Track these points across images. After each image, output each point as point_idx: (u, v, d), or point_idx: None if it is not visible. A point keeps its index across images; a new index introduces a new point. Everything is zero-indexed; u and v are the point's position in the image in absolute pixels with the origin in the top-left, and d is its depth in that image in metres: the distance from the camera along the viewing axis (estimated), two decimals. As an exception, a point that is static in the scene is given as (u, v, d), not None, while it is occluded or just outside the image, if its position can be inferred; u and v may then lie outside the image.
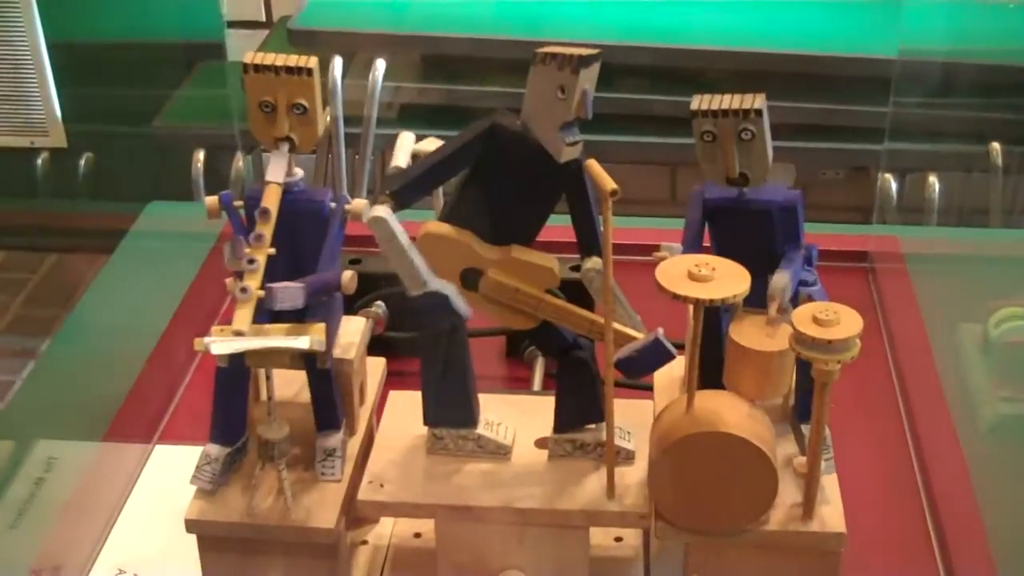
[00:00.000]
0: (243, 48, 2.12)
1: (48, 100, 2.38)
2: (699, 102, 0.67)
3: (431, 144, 0.72)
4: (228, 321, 0.66)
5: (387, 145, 1.85)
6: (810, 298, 0.68)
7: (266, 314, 0.68)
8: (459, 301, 0.68)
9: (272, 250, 0.68)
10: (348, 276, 0.70)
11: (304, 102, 0.69)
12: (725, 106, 0.66)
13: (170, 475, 0.88)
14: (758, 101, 0.66)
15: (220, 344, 0.64)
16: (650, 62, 1.81)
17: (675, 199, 2.20)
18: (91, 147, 2.37)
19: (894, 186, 1.61)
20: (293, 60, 0.69)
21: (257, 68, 0.69)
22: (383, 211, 0.65)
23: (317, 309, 0.71)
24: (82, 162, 2.37)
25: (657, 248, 0.69)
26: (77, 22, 2.32)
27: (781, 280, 0.67)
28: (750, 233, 0.69)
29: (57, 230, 2.44)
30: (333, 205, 0.72)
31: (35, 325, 2.34)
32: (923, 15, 1.47)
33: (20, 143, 2.42)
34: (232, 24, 2.17)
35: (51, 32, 2.30)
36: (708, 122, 0.67)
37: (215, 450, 0.72)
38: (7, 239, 2.54)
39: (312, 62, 0.69)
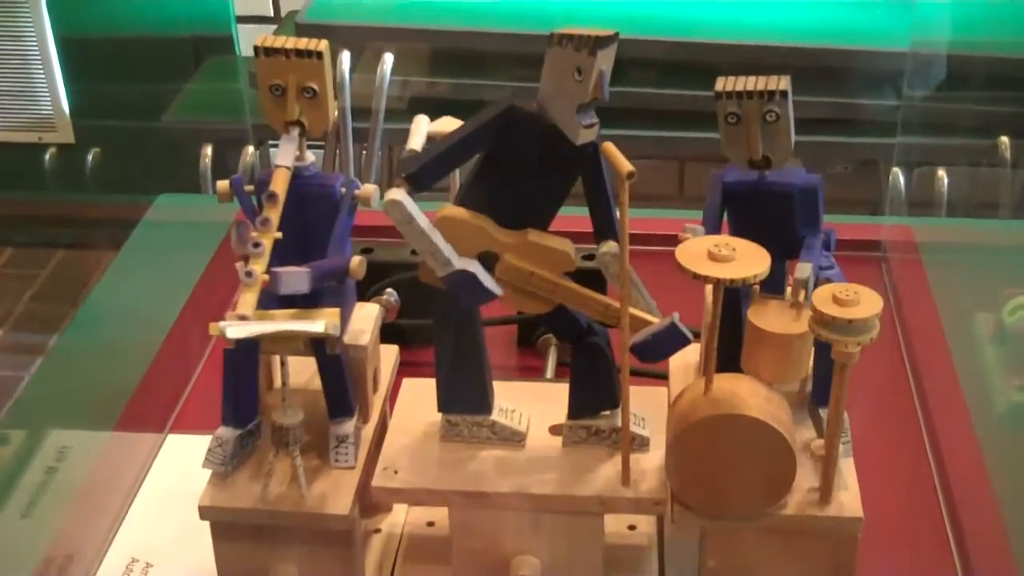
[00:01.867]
0: (252, 43, 2.13)
1: (56, 96, 2.39)
2: (724, 83, 0.67)
3: (447, 124, 0.71)
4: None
5: (395, 139, 1.85)
6: (828, 281, 0.68)
7: (278, 300, 0.68)
8: (487, 278, 0.67)
9: (279, 234, 0.67)
10: (357, 261, 0.70)
11: (314, 85, 0.69)
12: (750, 87, 0.66)
13: (183, 464, 0.88)
14: (783, 83, 0.66)
15: (236, 328, 0.63)
16: (659, 56, 1.81)
17: (684, 193, 2.20)
18: (99, 142, 2.38)
19: (903, 180, 1.60)
20: (303, 43, 0.69)
21: (268, 51, 0.69)
22: (399, 194, 0.65)
23: (330, 295, 0.71)
24: (90, 157, 2.37)
25: (673, 238, 0.69)
26: (85, 17, 2.32)
27: (804, 271, 0.66)
28: (770, 216, 0.69)
29: (65, 224, 2.44)
30: (343, 190, 0.71)
31: (43, 321, 2.34)
32: (935, 9, 1.47)
33: (28, 139, 2.43)
34: (241, 19, 2.17)
35: (59, 27, 2.30)
36: (733, 103, 0.66)
37: (226, 432, 0.72)
38: (15, 235, 2.54)
39: (322, 45, 0.69)
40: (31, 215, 2.50)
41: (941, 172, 1.87)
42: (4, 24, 2.33)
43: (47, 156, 2.44)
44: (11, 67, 2.38)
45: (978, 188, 1.93)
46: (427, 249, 0.66)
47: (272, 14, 2.23)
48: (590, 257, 0.69)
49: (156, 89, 2.12)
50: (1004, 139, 1.84)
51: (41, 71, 2.38)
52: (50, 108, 2.41)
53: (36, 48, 2.36)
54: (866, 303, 0.62)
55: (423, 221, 0.65)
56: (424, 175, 0.67)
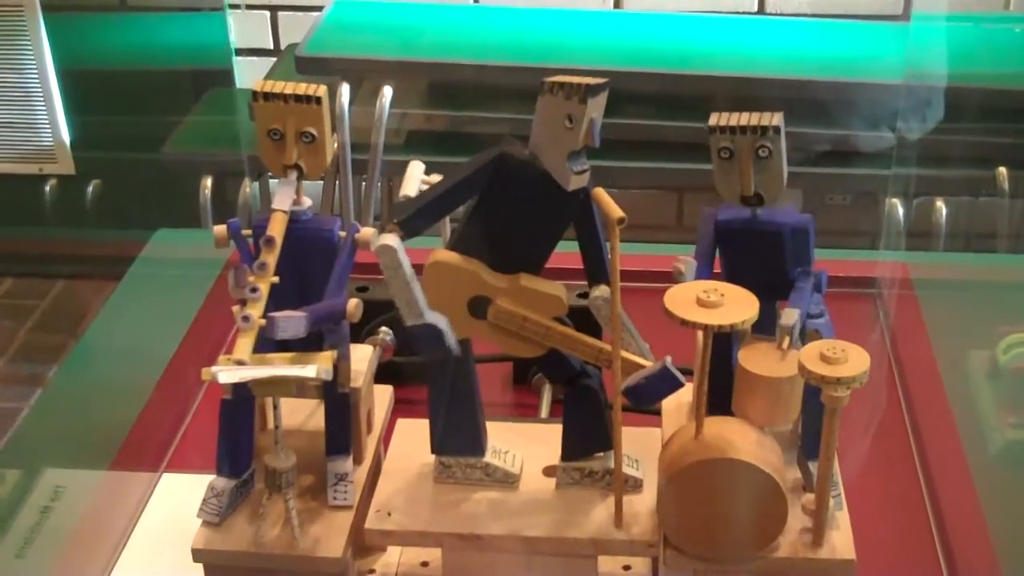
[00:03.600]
0: (251, 75, 2.14)
1: (56, 127, 2.39)
2: (717, 119, 0.67)
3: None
4: (235, 350, 0.66)
5: (394, 171, 1.86)
6: (817, 332, 0.68)
7: (274, 344, 0.68)
8: (451, 336, 0.68)
9: (276, 279, 0.67)
10: (353, 304, 0.70)
11: (313, 130, 0.70)
12: (743, 123, 0.67)
13: (178, 504, 0.88)
14: (776, 119, 0.67)
15: (227, 373, 0.64)
16: (656, 88, 1.82)
17: (682, 224, 2.20)
18: (99, 174, 2.38)
19: (901, 211, 1.61)
20: (302, 88, 0.69)
21: (267, 96, 0.69)
22: (391, 240, 0.65)
23: (330, 337, 0.71)
24: (90, 189, 2.38)
25: (666, 275, 0.69)
26: (86, 49, 2.33)
27: (791, 317, 0.66)
28: (761, 255, 0.70)
29: (65, 257, 2.44)
30: (342, 234, 0.72)
31: (43, 352, 2.34)
32: (930, 40, 1.48)
33: (29, 170, 2.43)
34: (240, 52, 2.18)
35: (60, 60, 2.31)
36: (726, 138, 0.67)
37: (221, 483, 0.72)
38: (15, 266, 2.54)
39: (321, 91, 0.69)
40: (31, 246, 2.50)
41: (939, 203, 1.88)
42: (6, 56, 2.34)
43: (48, 187, 2.45)
44: (12, 99, 2.39)
45: (976, 219, 1.93)
46: (405, 298, 0.66)
47: (272, 47, 2.23)
48: (585, 295, 0.70)
49: (156, 121, 2.13)
50: (1002, 170, 1.85)
51: (42, 103, 2.39)
52: (51, 139, 2.42)
53: (37, 80, 2.36)
54: (854, 360, 0.62)
55: (408, 270, 0.66)
56: (416, 221, 0.67)
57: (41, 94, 2.38)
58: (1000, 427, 0.97)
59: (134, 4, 2.30)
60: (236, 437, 0.72)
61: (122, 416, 0.97)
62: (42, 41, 2.33)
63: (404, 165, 0.74)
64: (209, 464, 0.72)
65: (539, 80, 0.65)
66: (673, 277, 0.70)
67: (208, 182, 1.99)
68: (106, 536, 0.86)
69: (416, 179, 0.70)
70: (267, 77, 2.06)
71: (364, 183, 1.85)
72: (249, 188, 1.96)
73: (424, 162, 0.74)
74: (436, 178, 0.70)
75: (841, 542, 0.69)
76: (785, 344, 0.66)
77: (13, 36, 2.32)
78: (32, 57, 2.34)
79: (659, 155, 1.85)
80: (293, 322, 0.66)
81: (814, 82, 1.79)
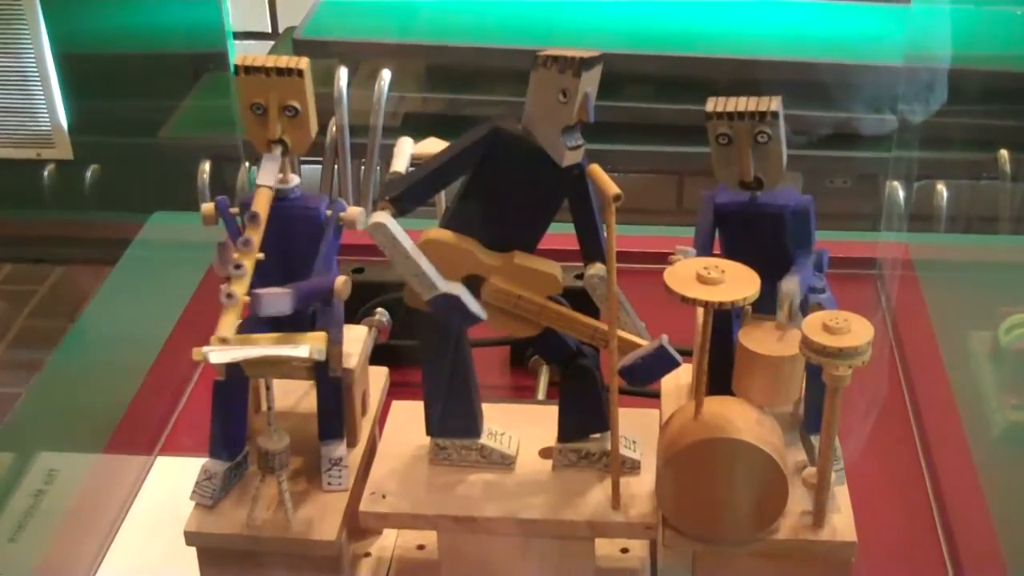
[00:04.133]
0: (249, 59, 2.13)
1: (54, 112, 2.38)
2: (715, 104, 0.66)
3: (431, 145, 0.71)
4: (230, 331, 0.65)
5: (391, 154, 1.85)
6: (819, 306, 0.67)
7: (266, 324, 0.67)
8: (472, 302, 0.66)
9: (261, 255, 0.66)
10: (341, 281, 0.69)
11: (296, 104, 0.69)
12: (741, 108, 0.65)
13: (172, 487, 0.87)
14: (774, 104, 0.66)
15: (219, 353, 0.63)
16: (656, 71, 1.81)
17: (682, 207, 2.19)
18: (97, 158, 2.37)
19: (902, 194, 1.60)
20: (284, 61, 0.68)
21: (248, 70, 0.68)
22: (383, 217, 0.64)
23: (321, 317, 0.70)
24: (88, 174, 2.37)
25: (664, 256, 0.68)
26: (83, 33, 2.32)
27: (791, 285, 0.66)
28: (761, 237, 0.69)
29: (63, 241, 2.44)
30: (329, 212, 0.71)
31: (42, 337, 2.33)
32: (931, 22, 1.46)
33: (27, 155, 2.43)
34: (238, 35, 2.17)
35: (57, 44, 2.30)
36: (724, 124, 0.66)
37: (214, 465, 0.71)
38: (14, 250, 2.54)
39: (303, 63, 0.68)
40: (30, 231, 2.49)
41: (940, 186, 1.87)
42: (3, 40, 2.33)
43: (46, 172, 2.44)
44: (10, 83, 2.38)
45: (977, 202, 1.92)
46: (411, 272, 0.65)
47: (270, 30, 2.22)
48: (581, 276, 0.69)
49: (154, 105, 2.12)
50: (1003, 152, 1.84)
51: (40, 87, 2.38)
52: (48, 124, 2.41)
53: (34, 64, 2.35)
54: (857, 330, 0.61)
55: (407, 244, 0.64)
56: (408, 197, 0.66)
57: (38, 78, 2.37)
58: (1001, 408, 0.96)
59: (132, -14, 2.29)
60: (229, 419, 0.71)
61: (116, 399, 0.96)
62: (39, 25, 2.31)
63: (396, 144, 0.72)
64: (203, 447, 0.72)
65: (533, 57, 0.63)
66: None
67: (206, 166, 1.97)
68: (100, 519, 0.85)
69: (406, 155, 0.69)
70: (265, 61, 2.05)
71: (363, 167, 1.84)
72: (248, 173, 1.95)
73: (417, 142, 0.73)
74: (427, 150, 0.69)
75: (842, 524, 0.68)
76: (785, 309, 0.65)
77: (10, 20, 2.31)
78: (29, 41, 2.33)
79: (659, 138, 1.84)
80: (278, 299, 0.65)
81: (815, 64, 1.78)
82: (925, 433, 0.93)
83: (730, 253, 0.70)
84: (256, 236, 0.66)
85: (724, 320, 0.69)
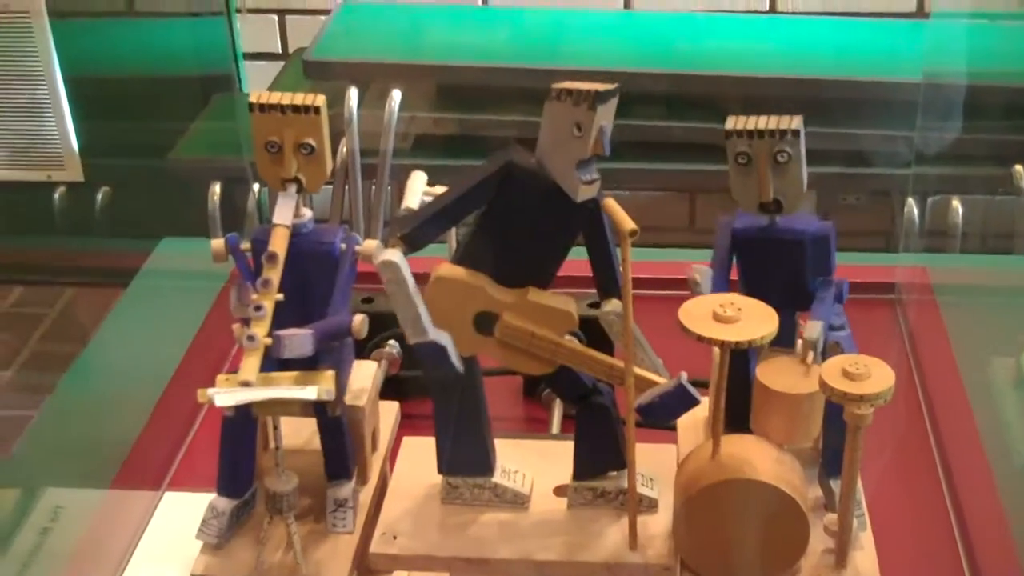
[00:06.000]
0: (259, 79, 2.12)
1: (65, 134, 2.38)
2: (734, 122, 0.65)
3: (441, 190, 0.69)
4: (237, 367, 0.63)
5: (402, 175, 1.83)
6: (838, 344, 0.65)
7: (274, 361, 0.66)
8: (455, 355, 0.65)
9: (280, 296, 0.65)
10: (359, 320, 0.68)
11: (312, 142, 0.67)
12: (761, 126, 0.64)
13: (180, 523, 0.85)
14: (795, 122, 0.64)
15: (224, 396, 0.61)
16: (668, 89, 1.79)
17: (694, 226, 2.18)
18: (108, 181, 2.37)
19: (917, 212, 1.59)
20: (300, 99, 0.67)
21: (263, 107, 0.67)
22: (394, 255, 0.63)
23: (328, 355, 0.69)
24: (99, 196, 2.37)
25: (679, 283, 0.67)
26: (93, 55, 2.32)
27: (814, 330, 0.64)
28: (780, 264, 0.67)
29: (74, 265, 2.43)
30: (343, 246, 0.69)
31: (53, 361, 2.33)
32: (948, 38, 1.45)
33: (37, 177, 2.42)
34: (249, 56, 2.16)
35: (68, 66, 2.30)
36: (743, 143, 0.64)
37: (222, 503, 0.70)
38: (25, 274, 2.53)
39: (320, 100, 0.67)
40: (41, 254, 2.49)
41: (955, 202, 1.85)
42: (13, 63, 2.33)
43: (57, 195, 2.43)
44: (20, 105, 2.38)
45: (993, 218, 1.91)
46: (408, 315, 0.64)
47: (280, 51, 2.22)
48: (596, 305, 0.67)
49: (164, 127, 2.12)
50: (1019, 168, 1.82)
51: (50, 109, 2.37)
52: (59, 146, 2.40)
53: (45, 86, 2.35)
54: (877, 376, 0.59)
55: (412, 286, 0.63)
56: (420, 234, 0.65)
57: (49, 101, 2.36)
58: (1027, 438, 0.95)
59: (141, 9, 2.28)
60: (237, 456, 0.70)
61: (124, 433, 0.95)
62: (49, 48, 2.31)
63: (411, 169, 0.71)
64: (212, 483, 0.70)
65: (548, 82, 0.62)
66: (688, 286, 0.68)
67: (217, 188, 1.96)
68: (107, 558, 0.84)
69: (418, 191, 0.68)
70: (274, 81, 2.04)
71: (373, 188, 1.83)
72: (257, 195, 1.94)
73: (432, 165, 0.72)
74: (439, 189, 0.68)
75: (864, 563, 0.66)
76: (809, 359, 0.64)
77: (20, 43, 2.31)
78: (39, 64, 2.32)
79: (671, 157, 1.83)
80: (299, 340, 0.64)
81: (827, 81, 1.77)
82: (948, 464, 0.91)
83: (748, 279, 0.69)
84: (275, 276, 0.65)
85: (741, 356, 0.67)
